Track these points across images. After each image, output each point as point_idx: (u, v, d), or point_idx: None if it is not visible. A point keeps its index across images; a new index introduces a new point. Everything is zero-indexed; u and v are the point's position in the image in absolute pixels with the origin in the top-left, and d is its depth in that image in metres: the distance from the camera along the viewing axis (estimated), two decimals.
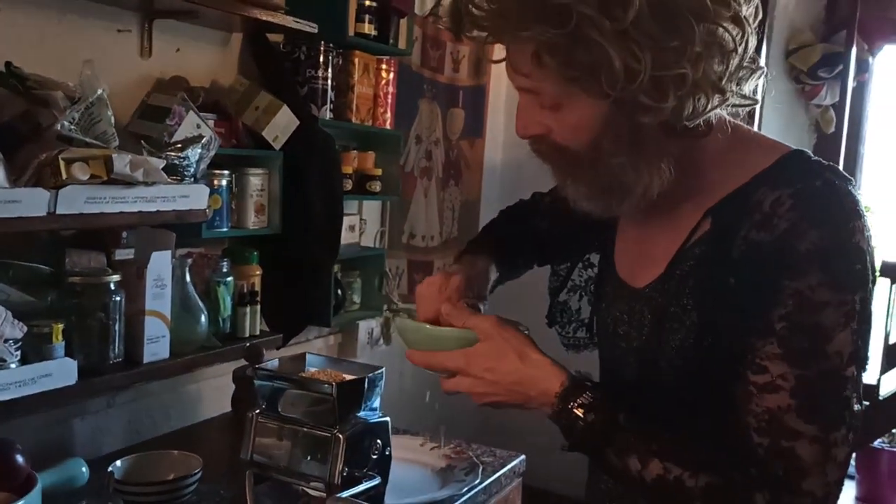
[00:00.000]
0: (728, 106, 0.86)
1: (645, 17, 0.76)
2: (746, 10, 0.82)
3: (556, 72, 0.81)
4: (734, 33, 0.81)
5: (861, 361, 0.83)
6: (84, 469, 1.35)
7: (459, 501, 1.38)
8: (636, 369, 0.96)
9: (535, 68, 0.82)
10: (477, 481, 1.45)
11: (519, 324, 0.98)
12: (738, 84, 0.84)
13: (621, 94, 0.80)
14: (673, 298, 0.90)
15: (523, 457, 1.63)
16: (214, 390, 1.91)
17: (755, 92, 0.88)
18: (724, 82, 0.82)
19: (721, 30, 0.80)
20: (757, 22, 0.85)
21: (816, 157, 0.88)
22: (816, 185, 0.84)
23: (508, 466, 1.57)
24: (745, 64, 0.83)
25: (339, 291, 2.22)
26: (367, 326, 2.50)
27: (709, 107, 0.83)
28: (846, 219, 0.82)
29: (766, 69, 0.87)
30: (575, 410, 0.87)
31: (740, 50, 0.82)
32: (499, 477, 1.54)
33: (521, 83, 0.86)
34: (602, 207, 0.91)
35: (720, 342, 0.86)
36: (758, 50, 0.88)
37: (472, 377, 0.92)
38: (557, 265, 1.21)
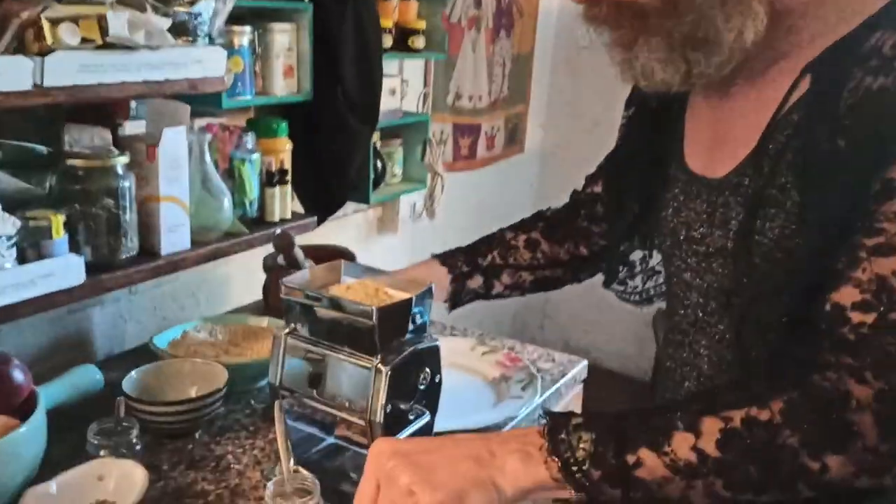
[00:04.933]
0: None
1: None
2: None
3: None
4: None
5: None
6: (98, 377, 1.20)
7: (515, 420, 1.22)
8: (724, 276, 0.80)
9: None
10: (536, 397, 1.28)
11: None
12: None
13: None
14: (768, 179, 0.75)
15: (585, 362, 1.45)
16: (247, 274, 1.75)
17: None
18: None
19: None
20: None
21: None
22: None
23: (570, 374, 1.40)
24: None
25: (379, 163, 2.00)
26: (410, 200, 2.30)
27: None
28: None
29: None
30: (573, 442, 0.69)
31: None
32: (559, 388, 1.37)
33: None
34: (683, 72, 0.77)
35: (830, 223, 0.70)
36: None
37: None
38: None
